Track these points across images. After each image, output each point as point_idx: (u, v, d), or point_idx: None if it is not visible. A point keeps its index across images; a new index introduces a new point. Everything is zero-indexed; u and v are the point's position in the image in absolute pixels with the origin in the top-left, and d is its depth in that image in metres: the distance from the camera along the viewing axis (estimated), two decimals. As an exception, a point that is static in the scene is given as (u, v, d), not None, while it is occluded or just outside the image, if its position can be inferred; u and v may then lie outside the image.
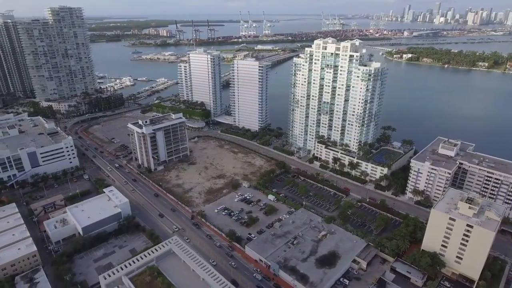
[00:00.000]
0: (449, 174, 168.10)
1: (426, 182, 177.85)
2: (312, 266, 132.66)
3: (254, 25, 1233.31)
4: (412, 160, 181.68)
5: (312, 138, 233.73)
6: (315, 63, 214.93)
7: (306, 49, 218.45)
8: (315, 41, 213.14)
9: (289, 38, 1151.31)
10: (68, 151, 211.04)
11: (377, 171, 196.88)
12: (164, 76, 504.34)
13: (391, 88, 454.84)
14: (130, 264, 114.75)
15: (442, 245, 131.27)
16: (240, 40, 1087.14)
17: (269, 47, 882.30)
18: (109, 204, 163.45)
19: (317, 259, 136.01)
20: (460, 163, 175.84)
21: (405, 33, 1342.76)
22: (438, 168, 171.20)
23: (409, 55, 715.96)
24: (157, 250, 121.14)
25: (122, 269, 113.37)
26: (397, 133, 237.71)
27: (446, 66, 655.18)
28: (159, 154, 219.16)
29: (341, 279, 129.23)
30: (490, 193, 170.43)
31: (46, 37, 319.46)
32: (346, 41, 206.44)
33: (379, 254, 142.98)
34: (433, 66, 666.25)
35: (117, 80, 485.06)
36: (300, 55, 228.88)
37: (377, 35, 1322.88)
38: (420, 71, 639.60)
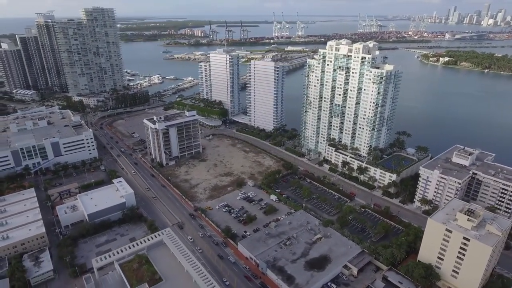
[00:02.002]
0: (459, 184, 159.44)
1: (435, 191, 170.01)
2: (300, 267, 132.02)
3: (287, 26, 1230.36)
4: (421, 168, 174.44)
5: (323, 141, 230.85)
6: (328, 64, 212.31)
7: (320, 50, 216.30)
8: (328, 43, 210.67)
9: (322, 39, 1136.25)
10: (88, 142, 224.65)
11: (386, 177, 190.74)
12: (192, 75, 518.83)
13: (417, 93, 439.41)
14: (122, 251, 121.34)
15: (439, 257, 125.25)
16: (272, 41, 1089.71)
17: (299, 48, 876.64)
18: (116, 194, 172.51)
19: (307, 261, 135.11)
20: (474, 173, 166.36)
21: (447, 36, 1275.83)
22: (448, 177, 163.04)
23: (446, 59, 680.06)
24: (149, 240, 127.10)
25: (114, 254, 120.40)
26: (416, 140, 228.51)
27: (486, 71, 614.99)
28: (171, 149, 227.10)
29: (329, 283, 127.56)
30: (506, 207, 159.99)
31: (80, 36, 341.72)
32: (359, 42, 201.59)
33: (373, 261, 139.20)
34: (472, 71, 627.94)
35: (147, 78, 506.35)
36: (314, 56, 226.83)
37: (416, 37, 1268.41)
38: (456, 76, 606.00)
